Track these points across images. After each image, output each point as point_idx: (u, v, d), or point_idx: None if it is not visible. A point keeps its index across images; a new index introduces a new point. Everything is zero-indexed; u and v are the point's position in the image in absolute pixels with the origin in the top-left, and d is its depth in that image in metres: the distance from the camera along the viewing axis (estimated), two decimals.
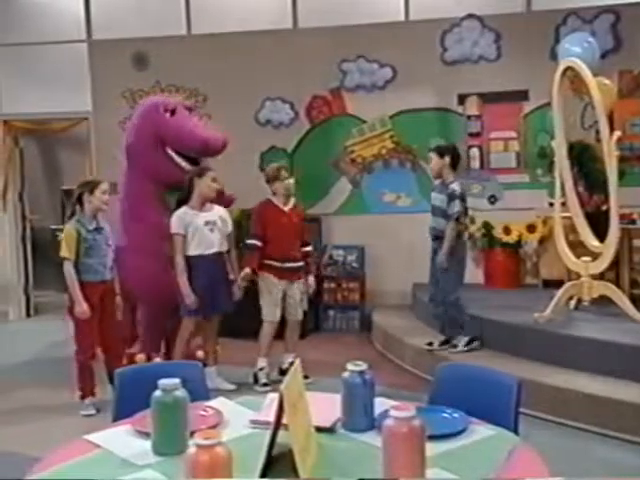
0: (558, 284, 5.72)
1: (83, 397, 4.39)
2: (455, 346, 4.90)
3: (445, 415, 1.89)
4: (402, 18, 7.00)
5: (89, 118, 7.56)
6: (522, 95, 6.78)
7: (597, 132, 6.11)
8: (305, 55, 7.05)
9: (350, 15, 6.95)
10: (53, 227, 9.84)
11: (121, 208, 5.13)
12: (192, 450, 1.39)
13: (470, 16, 6.83)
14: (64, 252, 4.25)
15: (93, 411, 4.33)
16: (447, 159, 4.82)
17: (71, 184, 9.82)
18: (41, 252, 8.83)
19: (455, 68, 6.91)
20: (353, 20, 6.94)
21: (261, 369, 4.85)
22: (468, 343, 4.85)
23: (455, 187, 4.78)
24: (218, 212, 4.75)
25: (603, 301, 4.91)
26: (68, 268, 4.26)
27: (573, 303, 5.10)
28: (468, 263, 6.94)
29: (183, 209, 4.60)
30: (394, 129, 7.05)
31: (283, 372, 4.95)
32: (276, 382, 4.87)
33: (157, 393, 1.75)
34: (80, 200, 4.33)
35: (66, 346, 6.35)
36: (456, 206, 4.73)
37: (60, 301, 9.05)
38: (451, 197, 4.76)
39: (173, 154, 5.01)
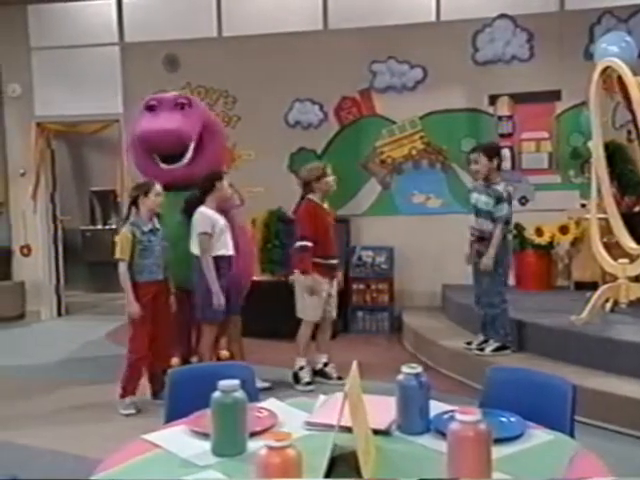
0: (591, 286, 5.68)
1: (123, 396, 4.41)
2: (482, 349, 4.86)
3: (502, 419, 1.88)
4: (433, 18, 6.99)
5: (120, 120, 7.64)
6: (555, 95, 6.72)
7: (629, 132, 6.06)
8: (335, 56, 7.05)
9: (381, 16, 6.95)
10: (82, 228, 9.99)
11: None
12: (263, 452, 1.40)
13: (502, 16, 6.79)
14: (118, 254, 4.32)
15: (133, 410, 4.36)
16: (495, 161, 4.77)
17: (100, 186, 10.01)
18: (71, 253, 8.96)
19: (486, 68, 6.88)
20: (384, 21, 6.94)
21: (301, 368, 4.86)
22: (497, 349, 4.80)
23: (502, 189, 4.74)
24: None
25: None
26: (122, 269, 4.32)
27: (609, 305, 5.04)
28: None
29: (204, 208, 4.56)
30: (424, 130, 7.03)
31: (317, 373, 4.96)
32: (323, 382, 4.88)
33: (217, 394, 1.76)
34: (135, 203, 4.41)
35: (99, 345, 6.47)
36: (504, 209, 4.69)
37: (90, 301, 9.22)
38: (499, 199, 4.70)
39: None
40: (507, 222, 4.72)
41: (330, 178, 4.86)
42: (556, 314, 5.05)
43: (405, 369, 1.90)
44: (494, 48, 6.84)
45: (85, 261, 9.72)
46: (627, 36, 5.54)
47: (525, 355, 4.74)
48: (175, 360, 5.06)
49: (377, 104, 7.13)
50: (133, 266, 4.34)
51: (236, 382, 1.77)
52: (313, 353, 5.03)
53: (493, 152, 4.82)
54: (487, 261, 4.70)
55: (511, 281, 6.77)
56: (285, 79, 7.14)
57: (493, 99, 6.88)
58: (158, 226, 4.47)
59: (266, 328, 6.05)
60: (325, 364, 4.98)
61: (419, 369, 1.89)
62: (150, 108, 5.06)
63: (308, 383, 4.79)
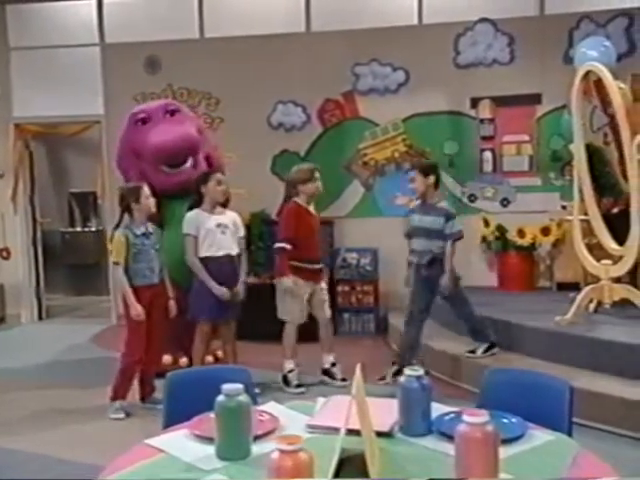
0: (572, 287, 5.77)
1: (114, 399, 4.36)
2: (473, 352, 4.89)
3: (504, 420, 1.90)
4: (415, 22, 7.03)
5: (101, 122, 7.57)
6: (535, 98, 6.81)
7: (605, 135, 6.16)
8: (318, 58, 7.06)
9: (363, 18, 6.97)
10: (62, 230, 9.87)
11: None
12: (275, 455, 1.40)
13: (483, 20, 6.86)
14: (114, 257, 4.31)
15: (122, 415, 4.31)
16: (431, 179, 4.64)
17: (79, 187, 9.89)
18: (51, 255, 8.84)
19: (468, 71, 6.94)
20: (366, 24, 6.96)
21: (290, 371, 4.86)
22: (487, 349, 4.84)
23: (448, 207, 4.66)
24: (231, 216, 4.78)
25: (622, 304, 4.91)
26: (119, 273, 4.30)
27: (592, 306, 5.11)
28: (481, 266, 7.04)
29: (195, 211, 4.65)
30: (407, 132, 7.07)
31: (325, 372, 4.99)
32: (313, 384, 4.90)
33: (221, 398, 1.76)
34: (128, 208, 4.37)
35: (83, 349, 6.40)
36: (456, 225, 4.61)
37: (70, 304, 9.11)
38: (448, 217, 4.61)
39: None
40: (459, 238, 4.66)
41: (317, 183, 4.88)
42: (540, 315, 5.10)
43: (407, 371, 1.91)
44: (475, 51, 6.91)
45: (65, 263, 9.61)
46: (606, 41, 5.63)
47: (512, 356, 4.77)
48: (167, 358, 5.07)
49: (360, 106, 7.16)
50: (128, 270, 4.30)
51: (240, 386, 1.77)
52: (320, 354, 5.03)
53: (429, 170, 4.68)
54: (446, 282, 4.61)
55: (494, 282, 6.89)
56: (268, 81, 7.12)
57: (475, 102, 6.95)
58: (151, 230, 4.44)
59: (250, 331, 6.02)
60: (333, 364, 4.98)
61: (421, 371, 1.91)
62: (142, 121, 5.17)
63: (298, 385, 4.79)
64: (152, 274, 4.38)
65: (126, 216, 4.41)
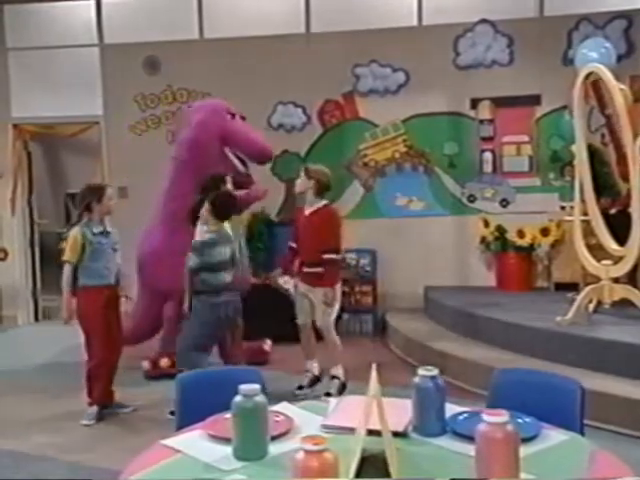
0: (570, 287, 5.79)
1: (91, 404, 4.35)
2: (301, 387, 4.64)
3: (519, 420, 1.90)
4: (415, 23, 7.05)
5: (100, 122, 7.55)
6: (534, 99, 6.84)
7: (602, 136, 6.20)
8: (318, 59, 7.07)
9: (363, 20, 6.97)
10: (59, 231, 9.83)
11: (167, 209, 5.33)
12: (300, 455, 1.40)
13: (483, 21, 6.89)
14: (67, 256, 4.23)
15: (92, 422, 4.26)
16: (208, 203, 4.25)
17: (77, 188, 9.81)
18: (48, 256, 8.80)
19: (468, 72, 6.97)
20: (366, 25, 6.96)
21: (306, 371, 4.84)
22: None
23: (209, 235, 4.18)
24: None
25: (621, 304, 4.94)
26: (67, 271, 4.24)
27: (592, 306, 5.13)
28: (480, 266, 7.05)
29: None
30: (407, 133, 7.09)
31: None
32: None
33: (238, 398, 1.76)
34: (88, 207, 4.30)
35: (78, 351, 6.34)
36: (190, 259, 4.15)
37: None
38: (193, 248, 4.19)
39: (230, 154, 5.36)
40: (196, 273, 4.14)
41: (296, 182, 4.89)
42: (540, 315, 5.12)
43: (421, 371, 1.92)
44: (475, 53, 6.94)
45: (62, 265, 9.55)
46: (606, 42, 5.65)
47: (513, 356, 4.79)
48: (165, 361, 5.06)
49: (360, 107, 7.17)
50: (84, 269, 4.22)
51: (257, 386, 1.78)
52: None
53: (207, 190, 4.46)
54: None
55: (492, 282, 6.91)
56: (268, 82, 7.11)
57: (474, 103, 6.97)
58: (109, 229, 4.37)
59: (249, 331, 6.02)
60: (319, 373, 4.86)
61: (435, 371, 1.92)
62: (232, 115, 5.49)
63: (299, 387, 4.75)
64: (109, 274, 4.30)
65: (85, 215, 4.31)
